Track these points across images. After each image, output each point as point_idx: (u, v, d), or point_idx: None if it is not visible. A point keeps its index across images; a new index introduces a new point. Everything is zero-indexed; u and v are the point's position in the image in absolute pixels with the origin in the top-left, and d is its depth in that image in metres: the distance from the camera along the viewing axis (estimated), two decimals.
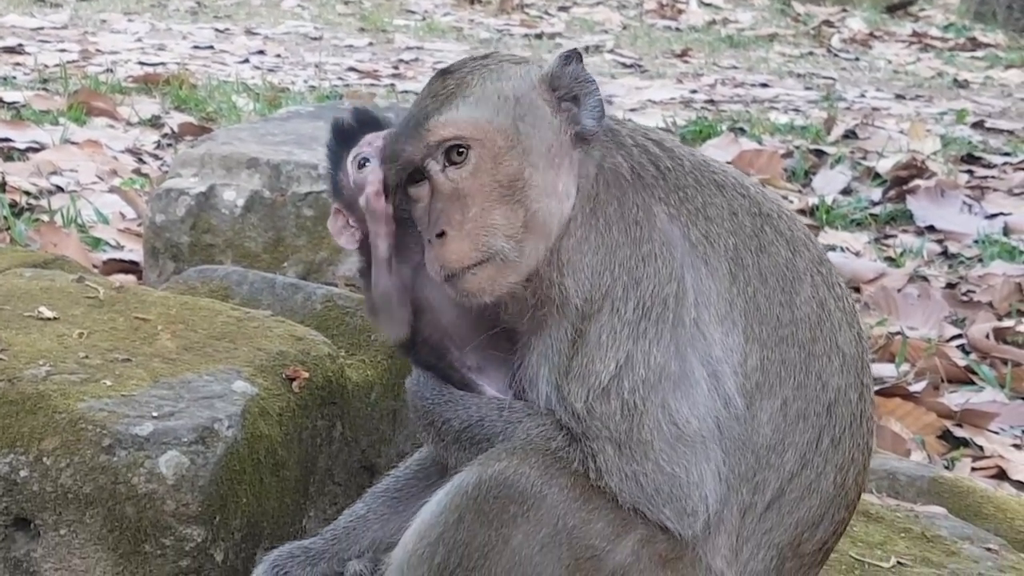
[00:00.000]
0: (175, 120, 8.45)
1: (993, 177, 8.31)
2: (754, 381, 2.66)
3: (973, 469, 4.84)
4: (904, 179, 7.88)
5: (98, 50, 10.79)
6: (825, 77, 11.96)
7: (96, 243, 6.18)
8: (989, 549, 3.51)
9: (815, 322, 2.71)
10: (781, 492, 2.68)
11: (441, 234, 2.69)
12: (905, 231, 7.35)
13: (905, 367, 5.55)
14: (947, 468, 4.79)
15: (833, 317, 2.73)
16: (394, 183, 2.80)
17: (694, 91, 10.83)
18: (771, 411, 2.67)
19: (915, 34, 14.58)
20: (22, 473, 3.09)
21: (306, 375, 3.43)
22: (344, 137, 2.98)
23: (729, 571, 2.67)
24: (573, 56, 2.76)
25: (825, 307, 2.73)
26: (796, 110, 10.26)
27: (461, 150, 2.71)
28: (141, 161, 7.63)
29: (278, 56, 11.26)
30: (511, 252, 2.68)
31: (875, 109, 10.43)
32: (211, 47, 11.44)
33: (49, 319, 3.47)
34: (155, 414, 3.13)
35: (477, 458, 2.69)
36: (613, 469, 2.63)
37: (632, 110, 9.55)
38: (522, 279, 2.70)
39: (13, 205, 6.49)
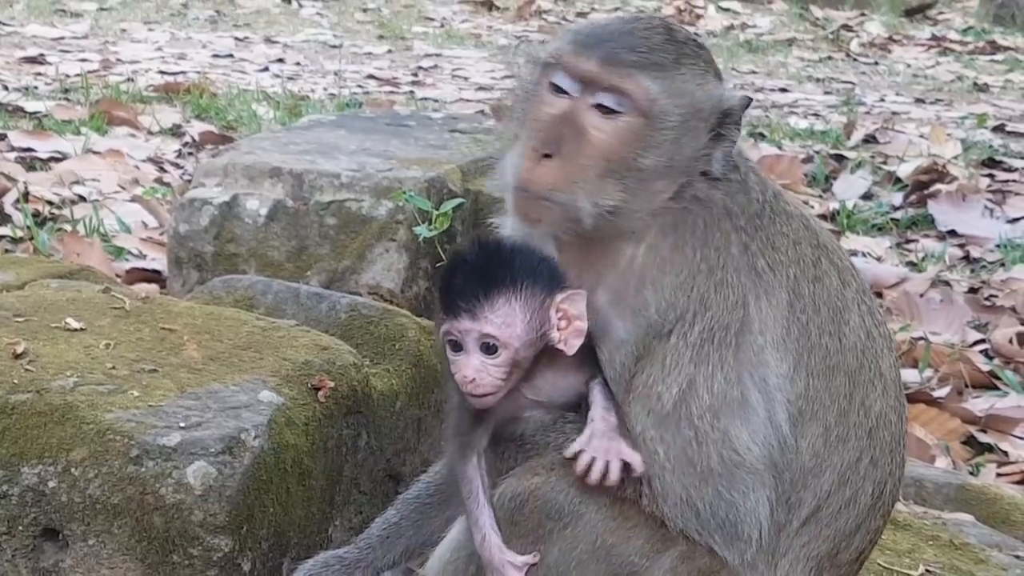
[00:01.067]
0: (196, 129, 8.47)
1: (1014, 181, 8.29)
2: (798, 408, 2.68)
3: (998, 475, 4.82)
4: (925, 183, 7.87)
5: (119, 59, 10.83)
6: (844, 81, 11.95)
7: (119, 252, 6.20)
8: (1018, 557, 3.50)
9: (861, 350, 2.74)
10: (818, 508, 2.70)
11: (548, 155, 2.67)
12: (927, 236, 7.34)
13: (928, 372, 5.54)
14: (972, 474, 4.78)
15: (877, 344, 2.76)
16: (537, 72, 2.75)
17: None
18: (812, 437, 2.69)
19: (934, 38, 14.55)
20: (51, 484, 3.10)
21: (331, 384, 3.44)
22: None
23: None
24: (749, 103, 2.76)
25: (871, 335, 2.76)
26: (816, 115, 10.25)
27: (621, 107, 2.68)
28: (162, 170, 7.65)
29: (297, 64, 11.29)
30: (584, 215, 2.67)
31: (895, 113, 10.41)
32: (231, 55, 11.47)
33: (76, 330, 3.49)
34: (182, 424, 3.14)
35: (514, 470, 2.69)
36: (669, 494, 2.63)
37: None
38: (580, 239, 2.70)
39: (36, 215, 6.52)
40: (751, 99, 2.78)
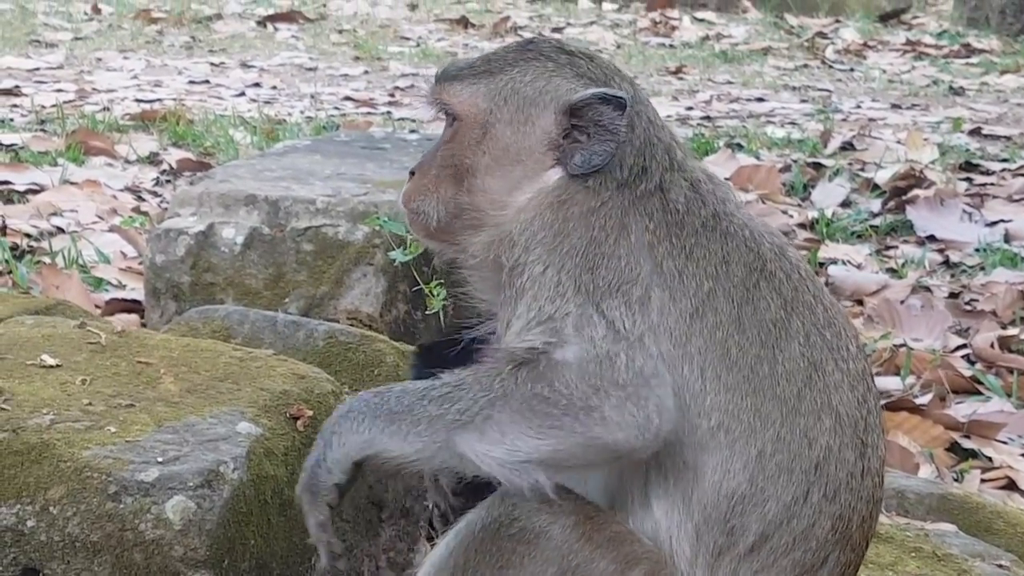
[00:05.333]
0: (173, 156, 8.46)
1: (992, 184, 8.31)
2: (715, 421, 2.69)
3: (983, 480, 4.82)
4: (903, 189, 7.89)
5: (94, 88, 10.82)
6: (821, 89, 11.98)
7: (98, 283, 6.18)
8: (1000, 566, 3.50)
9: (803, 380, 2.74)
10: (765, 537, 2.71)
11: (412, 172, 3.00)
12: (906, 242, 7.35)
13: (911, 379, 5.54)
14: (956, 480, 4.78)
15: (829, 378, 2.76)
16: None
17: (690, 108, 10.85)
18: (746, 459, 2.69)
19: (909, 42, 14.60)
20: (29, 523, 3.08)
21: (310, 413, 3.43)
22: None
23: None
24: (612, 101, 2.82)
25: (819, 368, 2.75)
26: (793, 123, 10.27)
27: (447, 116, 2.96)
28: (140, 199, 7.64)
29: (274, 88, 11.28)
30: (436, 221, 2.95)
31: (871, 119, 10.44)
32: (207, 81, 11.46)
33: (52, 367, 3.47)
34: (160, 459, 3.12)
35: (483, 501, 2.71)
36: (573, 361, 2.66)
37: None
38: (444, 248, 2.98)
39: (14, 248, 6.50)
40: (617, 98, 2.83)
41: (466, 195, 2.91)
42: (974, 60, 13.69)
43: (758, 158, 8.69)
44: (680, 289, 2.74)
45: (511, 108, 2.88)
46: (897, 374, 5.57)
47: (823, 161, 8.70)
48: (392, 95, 11.10)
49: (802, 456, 2.71)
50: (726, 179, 8.09)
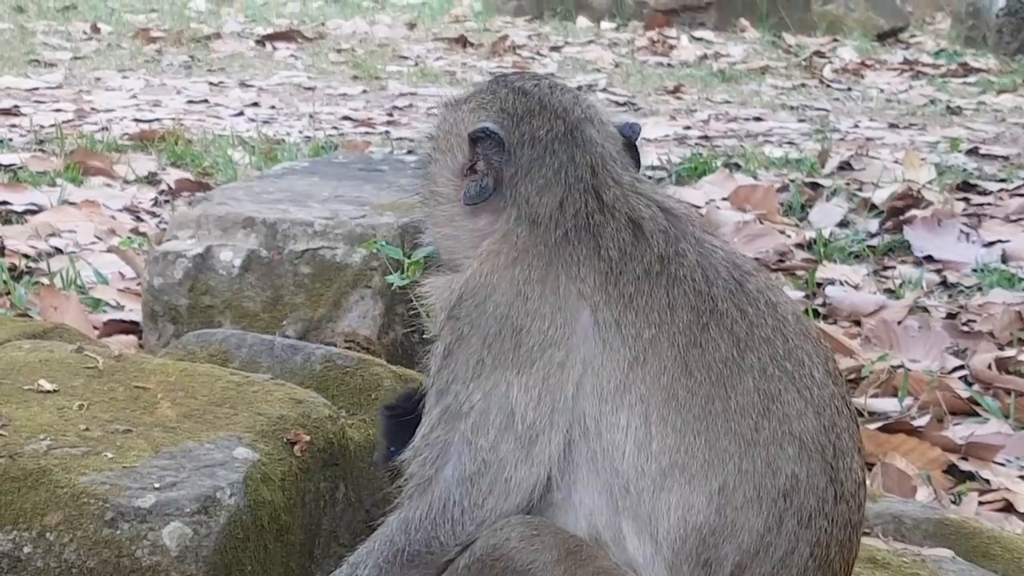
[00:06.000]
0: (172, 176, 8.46)
1: (989, 204, 8.32)
2: (666, 462, 2.74)
3: (980, 503, 4.82)
4: (900, 209, 7.89)
5: (93, 108, 10.83)
6: (818, 108, 12.00)
7: (96, 304, 6.18)
8: None
9: (759, 412, 2.77)
10: (742, 567, 2.74)
11: None
12: (904, 262, 7.35)
13: (908, 401, 5.54)
14: (954, 503, 4.77)
15: (789, 407, 2.79)
16: None
17: (688, 127, 10.86)
18: (708, 493, 2.73)
19: (906, 61, 14.63)
20: (25, 549, 3.08)
21: (307, 438, 3.43)
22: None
23: None
24: (482, 138, 2.98)
25: (777, 399, 2.79)
26: (790, 143, 10.29)
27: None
28: (139, 219, 7.64)
29: (272, 108, 11.30)
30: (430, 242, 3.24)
31: (869, 139, 10.45)
32: (205, 101, 11.48)
33: (49, 392, 3.48)
34: (157, 485, 3.13)
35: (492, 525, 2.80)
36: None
37: None
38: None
39: (12, 269, 6.51)
40: (488, 132, 2.97)
41: (432, 225, 3.18)
42: (971, 79, 13.72)
43: (756, 178, 8.69)
44: (618, 339, 2.79)
45: (444, 140, 3.09)
46: (895, 395, 5.57)
47: (820, 181, 8.71)
48: (390, 114, 11.12)
49: (767, 486, 2.75)
50: (723, 199, 8.14)
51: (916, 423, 5.27)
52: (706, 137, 10.48)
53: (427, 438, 2.88)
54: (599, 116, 3.07)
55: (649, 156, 9.10)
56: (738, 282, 2.87)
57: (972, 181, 8.80)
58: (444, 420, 2.86)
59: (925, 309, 6.60)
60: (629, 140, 3.08)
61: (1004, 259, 7.30)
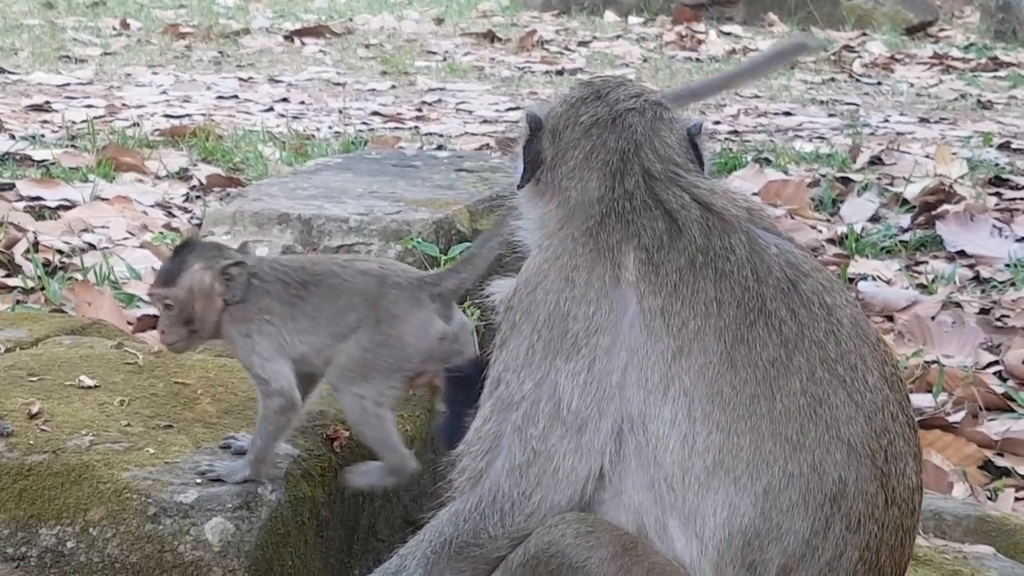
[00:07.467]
0: (203, 172, 8.49)
1: (1022, 199, 8.28)
2: (711, 460, 2.72)
3: (1016, 499, 4.80)
4: (932, 204, 7.86)
5: (124, 104, 10.87)
6: (848, 103, 11.96)
7: (130, 299, 6.20)
8: None
9: (806, 416, 2.75)
10: (788, 570, 2.73)
11: None
12: (936, 257, 7.33)
13: (943, 397, 5.52)
14: (990, 499, 4.76)
15: (838, 411, 2.77)
16: None
17: (717, 122, 10.84)
18: (754, 496, 2.71)
19: (936, 56, 14.56)
20: (69, 544, 3.11)
21: (346, 434, 3.45)
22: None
23: None
24: (530, 120, 3.10)
25: (825, 403, 2.77)
26: (821, 138, 10.25)
27: None
28: (171, 215, 7.67)
29: (302, 103, 11.32)
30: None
31: (900, 134, 10.41)
32: (235, 96, 11.51)
33: (90, 387, 3.50)
34: (199, 481, 3.14)
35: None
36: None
37: None
38: None
39: (47, 264, 6.53)
40: (529, 117, 3.07)
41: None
42: (1002, 73, 13.64)
43: (786, 173, 8.67)
44: (662, 328, 2.78)
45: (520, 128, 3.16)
46: (929, 391, 5.55)
47: (852, 176, 8.68)
48: (420, 110, 11.13)
49: (814, 490, 2.73)
50: (754, 194, 8.11)
51: (951, 419, 5.25)
52: (736, 132, 10.46)
53: (479, 431, 2.87)
54: (657, 110, 3.04)
55: None
56: (791, 281, 2.84)
57: (1004, 176, 8.75)
58: (497, 411, 2.85)
59: (958, 304, 6.58)
60: (691, 137, 3.06)
61: None
